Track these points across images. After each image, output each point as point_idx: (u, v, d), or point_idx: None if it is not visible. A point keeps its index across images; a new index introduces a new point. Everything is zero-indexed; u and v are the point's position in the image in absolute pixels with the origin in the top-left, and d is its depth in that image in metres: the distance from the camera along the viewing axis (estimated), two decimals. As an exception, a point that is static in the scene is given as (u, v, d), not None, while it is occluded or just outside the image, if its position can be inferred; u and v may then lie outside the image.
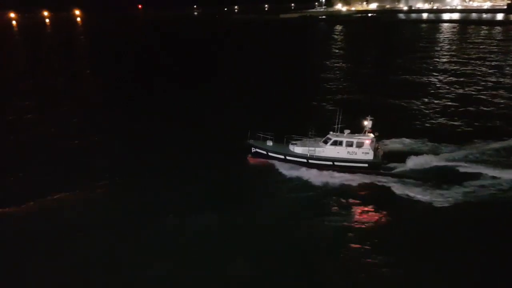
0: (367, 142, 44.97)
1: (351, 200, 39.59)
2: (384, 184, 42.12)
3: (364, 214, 37.53)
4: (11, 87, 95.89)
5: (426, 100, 72.98)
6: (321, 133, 46.65)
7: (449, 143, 50.11)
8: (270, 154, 46.65)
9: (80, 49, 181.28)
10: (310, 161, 45.40)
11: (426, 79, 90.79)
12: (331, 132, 46.03)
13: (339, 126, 45.61)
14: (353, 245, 32.97)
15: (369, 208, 38.50)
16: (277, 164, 46.23)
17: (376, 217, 37.13)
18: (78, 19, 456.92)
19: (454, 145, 49.42)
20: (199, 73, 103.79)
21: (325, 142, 45.68)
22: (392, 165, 45.66)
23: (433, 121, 61.15)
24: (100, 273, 30.17)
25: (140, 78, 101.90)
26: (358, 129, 46.06)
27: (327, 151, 45.33)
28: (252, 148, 47.56)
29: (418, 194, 39.76)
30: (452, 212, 36.81)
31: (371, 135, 45.56)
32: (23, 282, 29.64)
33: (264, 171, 45.56)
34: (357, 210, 38.26)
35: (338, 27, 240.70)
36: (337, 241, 33.68)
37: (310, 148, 45.28)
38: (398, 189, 40.93)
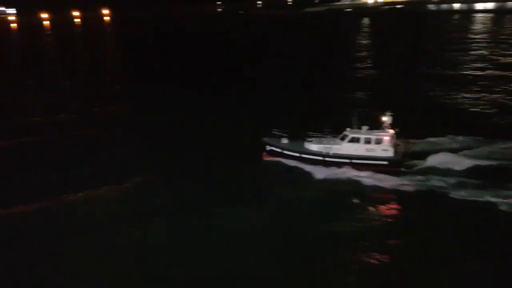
0: (387, 138, 43.13)
1: (368, 199, 38.29)
2: (404, 182, 40.53)
3: (382, 214, 36.33)
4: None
5: (452, 95, 70.20)
6: (338, 129, 45.05)
7: (475, 140, 47.98)
8: (285, 152, 45.35)
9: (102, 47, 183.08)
10: (326, 159, 43.91)
11: (455, 73, 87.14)
12: (348, 129, 44.37)
13: (357, 122, 43.90)
14: (369, 244, 32.04)
15: (388, 207, 37.28)
16: (293, 162, 44.96)
17: (395, 217, 36.07)
18: (107, 18, 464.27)
19: (480, 142, 47.21)
20: (217, 70, 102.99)
21: (342, 139, 44.09)
22: (413, 162, 43.89)
23: (458, 117, 58.32)
24: (131, 268, 30.39)
25: (158, 75, 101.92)
26: (376, 125, 44.17)
27: (344, 148, 43.73)
28: (267, 146, 46.38)
29: (439, 193, 38.14)
30: (475, 212, 35.24)
31: (391, 131, 43.67)
32: (26, 279, 29.76)
33: (278, 169, 44.61)
34: (375, 209, 36.99)
35: (365, 20, 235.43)
36: (353, 241, 32.74)
37: (326, 146, 43.78)
38: (419, 187, 39.37)
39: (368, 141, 43.30)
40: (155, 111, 69.07)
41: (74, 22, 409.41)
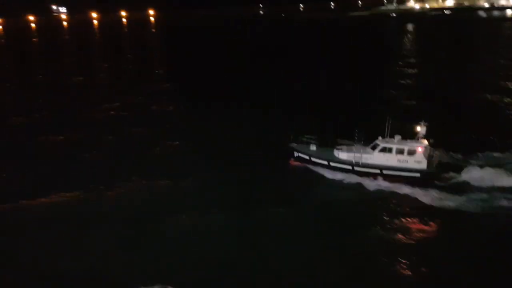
0: (420, 149, 41.37)
1: (395, 212, 36.80)
2: (436, 196, 38.52)
3: (409, 229, 34.58)
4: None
5: (498, 107, 66.58)
6: (369, 138, 43.57)
7: None
8: (313, 159, 44.31)
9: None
10: (355, 168, 42.60)
11: (503, 83, 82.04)
12: (380, 138, 42.88)
13: (390, 131, 42.33)
14: (391, 259, 30.84)
15: (414, 222, 35.48)
16: (320, 169, 43.93)
17: (421, 233, 34.15)
18: (152, 18, 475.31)
19: None
20: (251, 73, 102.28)
21: (373, 148, 42.62)
22: (447, 175, 41.89)
23: (503, 131, 54.92)
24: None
25: (193, 77, 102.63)
26: (410, 135, 42.51)
27: (375, 158, 42.27)
28: (295, 152, 45.48)
29: (472, 211, 36.03)
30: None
31: (425, 141, 41.87)
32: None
33: (305, 176, 43.67)
34: (402, 223, 35.37)
35: (410, 26, 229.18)
36: (372, 254, 31.62)
37: (356, 154, 42.44)
38: (450, 203, 37.32)
39: (400, 152, 41.66)
40: (189, 112, 69.94)
41: (122, 22, 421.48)
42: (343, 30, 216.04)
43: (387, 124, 42.11)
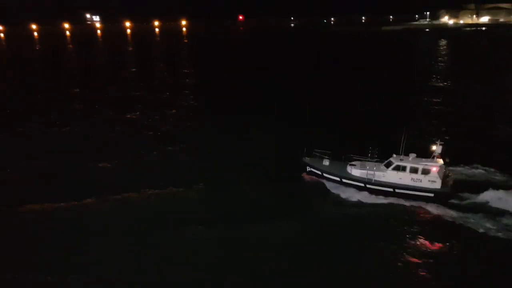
0: (435, 169, 40.87)
1: (405, 232, 36.30)
2: (449, 217, 38.03)
3: (419, 250, 33.98)
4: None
5: None
6: (384, 154, 43.44)
7: None
8: (325, 175, 44.31)
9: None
10: (368, 185, 42.32)
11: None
12: (395, 155, 42.60)
13: (404, 148, 42.05)
14: (400, 280, 30.60)
15: (426, 243, 34.86)
16: (332, 185, 43.84)
17: (432, 254, 33.50)
18: (184, 29, 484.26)
19: None
20: (271, 84, 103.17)
21: (387, 165, 42.34)
22: (464, 195, 41.22)
23: None
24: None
25: (209, 86, 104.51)
26: (426, 154, 42.02)
27: (388, 176, 41.94)
28: (307, 167, 45.59)
29: (487, 234, 35.28)
30: None
31: (440, 161, 41.37)
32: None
33: (316, 192, 43.53)
34: (413, 243, 34.82)
35: (443, 42, 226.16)
36: (382, 273, 31.35)
37: (369, 172, 42.20)
38: (465, 224, 36.69)
39: (414, 171, 41.23)
40: (204, 121, 71.40)
41: (155, 31, 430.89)
42: (373, 44, 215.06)
43: (402, 141, 41.81)
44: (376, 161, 43.20)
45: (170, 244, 34.79)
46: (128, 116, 76.05)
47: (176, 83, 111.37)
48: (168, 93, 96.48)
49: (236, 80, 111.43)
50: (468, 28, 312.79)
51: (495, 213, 37.95)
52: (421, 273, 31.17)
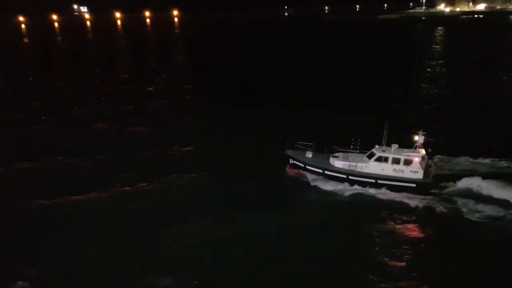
0: (417, 159, 41.33)
1: (388, 223, 36.93)
2: (431, 206, 38.78)
3: (401, 240, 34.70)
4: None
5: (505, 116, 65.12)
6: (366, 145, 43.77)
7: None
8: (308, 167, 44.64)
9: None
10: (350, 177, 42.72)
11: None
12: (377, 146, 42.94)
13: (387, 139, 42.39)
14: (383, 271, 31.12)
15: (407, 233, 35.73)
16: (315, 177, 44.22)
17: (414, 244, 34.27)
18: (176, 19, 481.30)
19: None
20: (253, 74, 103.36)
21: (369, 157, 42.75)
22: (444, 184, 41.86)
23: (502, 141, 53.74)
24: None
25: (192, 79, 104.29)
26: (408, 144, 42.47)
27: (371, 167, 42.37)
28: (290, 160, 45.92)
29: (467, 221, 36.27)
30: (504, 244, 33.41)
31: (422, 151, 41.77)
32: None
33: (299, 185, 44.02)
34: (394, 234, 35.52)
35: (439, 30, 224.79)
36: (364, 264, 31.95)
37: (352, 163, 42.58)
38: (445, 213, 37.62)
39: (396, 161, 41.69)
40: (186, 113, 71.51)
41: (146, 22, 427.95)
42: (369, 33, 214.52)
43: (385, 132, 42.07)
44: (359, 153, 43.54)
45: (155, 236, 35.44)
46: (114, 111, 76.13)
47: (167, 78, 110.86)
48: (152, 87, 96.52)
49: (220, 73, 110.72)
50: (465, 16, 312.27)
51: (476, 201, 38.77)
52: (404, 263, 31.79)
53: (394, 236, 35.05)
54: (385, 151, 42.26)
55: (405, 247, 33.55)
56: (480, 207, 37.95)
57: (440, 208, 38.41)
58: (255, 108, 70.17)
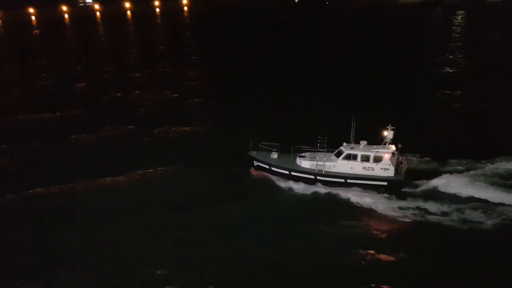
0: (387, 156, 40.61)
1: (359, 224, 36.75)
2: (403, 205, 38.29)
3: (371, 241, 34.60)
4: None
5: (476, 110, 63.28)
6: (334, 144, 43.01)
7: (490, 163, 43.86)
8: (273, 168, 44.09)
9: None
10: (318, 177, 42.12)
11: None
12: (345, 144, 42.21)
13: (354, 136, 41.61)
14: (351, 273, 31.30)
15: (380, 233, 35.55)
16: (281, 179, 43.67)
17: (387, 244, 34.23)
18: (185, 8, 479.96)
19: (494, 166, 43.09)
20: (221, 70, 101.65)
21: (337, 155, 42.07)
22: (416, 182, 41.21)
23: (474, 137, 52.81)
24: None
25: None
26: (377, 140, 41.55)
27: (339, 166, 41.73)
28: (254, 161, 45.41)
29: (440, 220, 36.10)
30: (478, 240, 33.78)
31: (392, 147, 40.85)
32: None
33: (265, 187, 43.37)
34: (365, 235, 35.38)
35: (459, 14, 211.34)
36: (331, 268, 31.93)
37: (319, 163, 41.95)
38: (417, 212, 37.30)
39: (366, 159, 40.99)
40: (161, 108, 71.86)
41: (156, 12, 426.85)
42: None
43: (352, 129, 41.27)
44: (327, 152, 42.81)
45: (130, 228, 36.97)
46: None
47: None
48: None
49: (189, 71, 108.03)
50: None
51: (449, 198, 38.53)
52: (374, 263, 31.97)
53: (363, 238, 34.83)
54: (353, 148, 41.56)
55: (375, 248, 33.46)
56: (453, 204, 37.64)
57: (412, 206, 37.99)
58: (213, 109, 69.13)
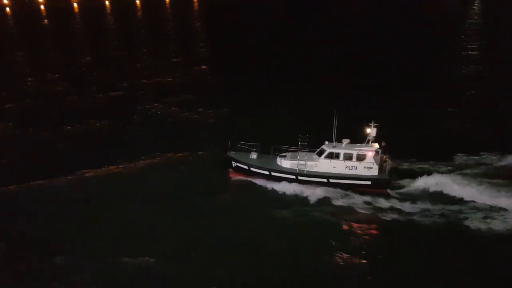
0: (370, 154, 40.24)
1: (342, 226, 36.49)
2: (388, 206, 37.96)
3: (357, 243, 34.45)
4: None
5: (461, 108, 63.51)
6: (316, 143, 42.21)
7: (477, 162, 44.27)
8: (252, 169, 43.05)
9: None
10: (299, 177, 41.35)
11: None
12: (327, 142, 41.61)
13: (336, 134, 41.07)
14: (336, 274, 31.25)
15: (364, 235, 35.48)
16: (261, 180, 42.70)
17: (371, 246, 34.16)
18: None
19: (479, 165, 43.53)
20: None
21: (319, 154, 41.46)
22: (401, 182, 41.11)
23: (461, 136, 52.61)
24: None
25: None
26: (360, 139, 41.07)
27: (321, 165, 41.10)
28: (233, 162, 44.31)
29: (426, 220, 35.97)
30: (462, 240, 34.00)
31: (376, 145, 40.39)
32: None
33: (244, 188, 42.53)
34: (348, 237, 35.27)
35: (476, 6, 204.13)
36: (313, 270, 31.76)
37: (301, 162, 41.21)
38: (403, 213, 36.97)
39: (348, 157, 40.44)
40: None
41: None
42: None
43: (334, 127, 40.75)
44: (308, 151, 42.00)
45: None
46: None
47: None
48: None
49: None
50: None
51: (434, 198, 38.40)
52: (354, 265, 31.84)
53: (345, 240, 34.66)
54: (336, 147, 41.04)
55: (357, 249, 33.40)
56: (438, 204, 37.63)
57: (397, 206, 37.72)
58: (190, 108, 67.13)
